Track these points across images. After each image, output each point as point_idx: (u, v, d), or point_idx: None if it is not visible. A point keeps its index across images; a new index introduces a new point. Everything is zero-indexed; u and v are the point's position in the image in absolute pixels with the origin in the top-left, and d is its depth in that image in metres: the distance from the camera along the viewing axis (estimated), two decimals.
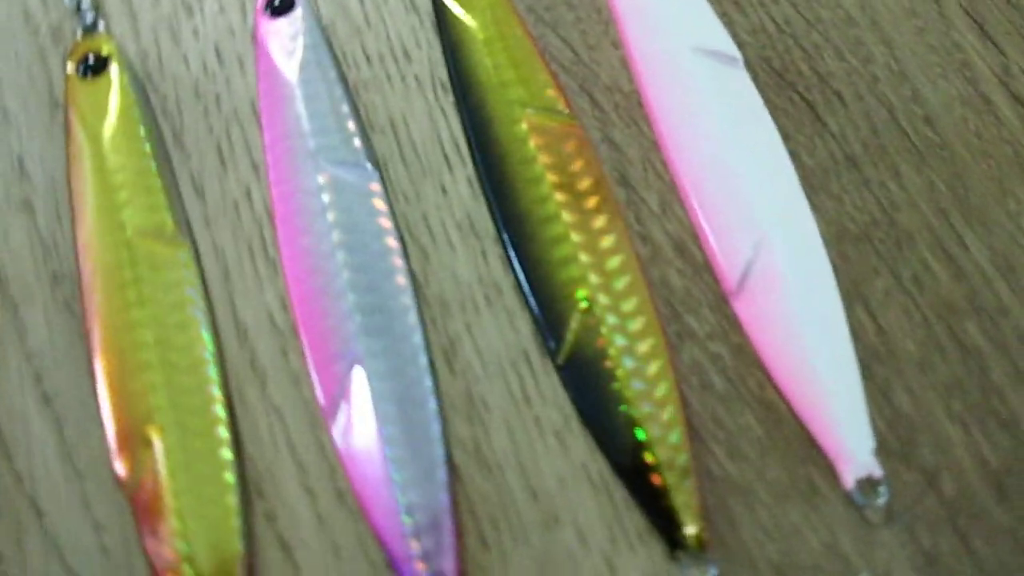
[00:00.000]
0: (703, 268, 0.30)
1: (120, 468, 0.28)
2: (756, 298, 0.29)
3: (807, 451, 0.29)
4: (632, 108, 0.32)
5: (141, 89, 0.32)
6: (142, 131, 0.31)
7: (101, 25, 0.33)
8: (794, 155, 0.32)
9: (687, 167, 0.31)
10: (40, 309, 0.30)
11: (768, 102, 0.32)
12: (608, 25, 0.33)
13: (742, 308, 0.30)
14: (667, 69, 0.31)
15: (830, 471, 0.28)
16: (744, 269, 0.29)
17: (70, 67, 0.32)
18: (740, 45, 0.33)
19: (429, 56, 0.33)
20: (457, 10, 0.32)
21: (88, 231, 0.30)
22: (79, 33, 0.33)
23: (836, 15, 0.34)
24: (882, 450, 0.29)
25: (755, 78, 0.32)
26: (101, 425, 0.28)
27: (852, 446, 0.28)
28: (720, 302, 0.30)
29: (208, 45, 0.33)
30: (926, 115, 0.32)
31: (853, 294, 0.30)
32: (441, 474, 0.28)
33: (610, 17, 0.33)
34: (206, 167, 0.32)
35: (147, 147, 0.31)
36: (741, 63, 0.32)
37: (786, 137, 0.32)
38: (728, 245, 0.30)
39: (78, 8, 0.33)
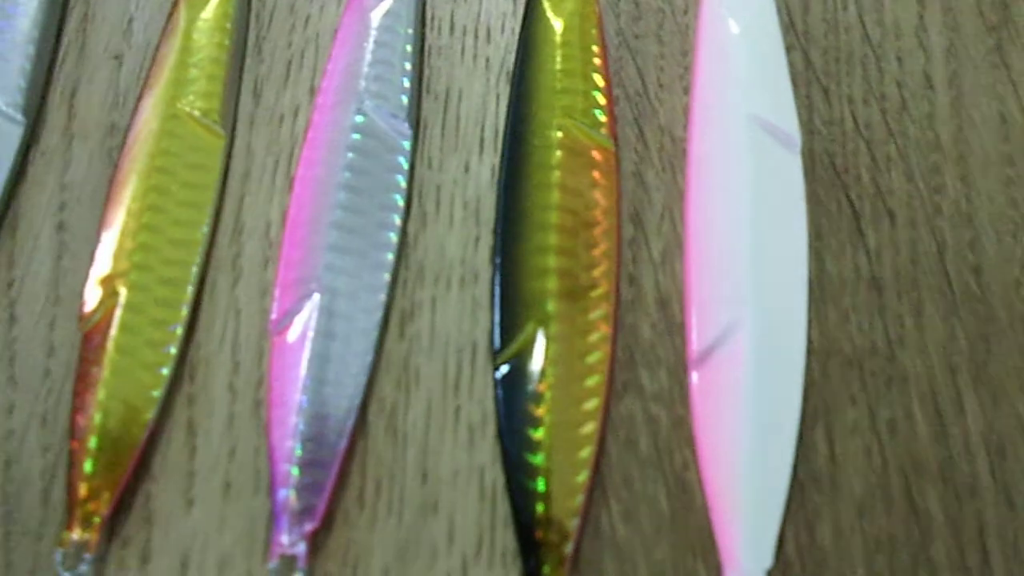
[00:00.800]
0: (677, 329, 0.29)
1: (86, 305, 0.30)
2: (712, 377, 0.28)
3: (703, 545, 0.27)
4: (675, 155, 0.31)
5: None
6: (229, 26, 0.33)
7: None
8: (818, 256, 0.30)
9: (699, 228, 0.30)
10: (89, 149, 0.33)
11: (813, 196, 0.31)
12: (686, 71, 0.33)
13: (696, 382, 0.28)
14: (721, 129, 0.31)
15: (717, 573, 0.27)
16: (711, 344, 0.28)
17: None
18: (811, 132, 0.32)
19: (507, 44, 0.33)
20: (548, 11, 0.33)
21: (151, 96, 0.32)
22: None
23: (924, 135, 0.32)
24: (782, 573, 0.27)
25: (811, 168, 0.31)
26: (91, 265, 0.30)
27: (747, 558, 0.27)
28: (680, 369, 0.29)
29: None
30: (977, 265, 0.30)
31: (819, 413, 0.29)
32: (348, 423, 0.28)
33: (692, 63, 0.32)
34: (271, 76, 0.33)
35: (227, 41, 0.33)
36: (798, 148, 0.31)
37: (818, 236, 0.30)
38: (706, 315, 0.29)
39: None
